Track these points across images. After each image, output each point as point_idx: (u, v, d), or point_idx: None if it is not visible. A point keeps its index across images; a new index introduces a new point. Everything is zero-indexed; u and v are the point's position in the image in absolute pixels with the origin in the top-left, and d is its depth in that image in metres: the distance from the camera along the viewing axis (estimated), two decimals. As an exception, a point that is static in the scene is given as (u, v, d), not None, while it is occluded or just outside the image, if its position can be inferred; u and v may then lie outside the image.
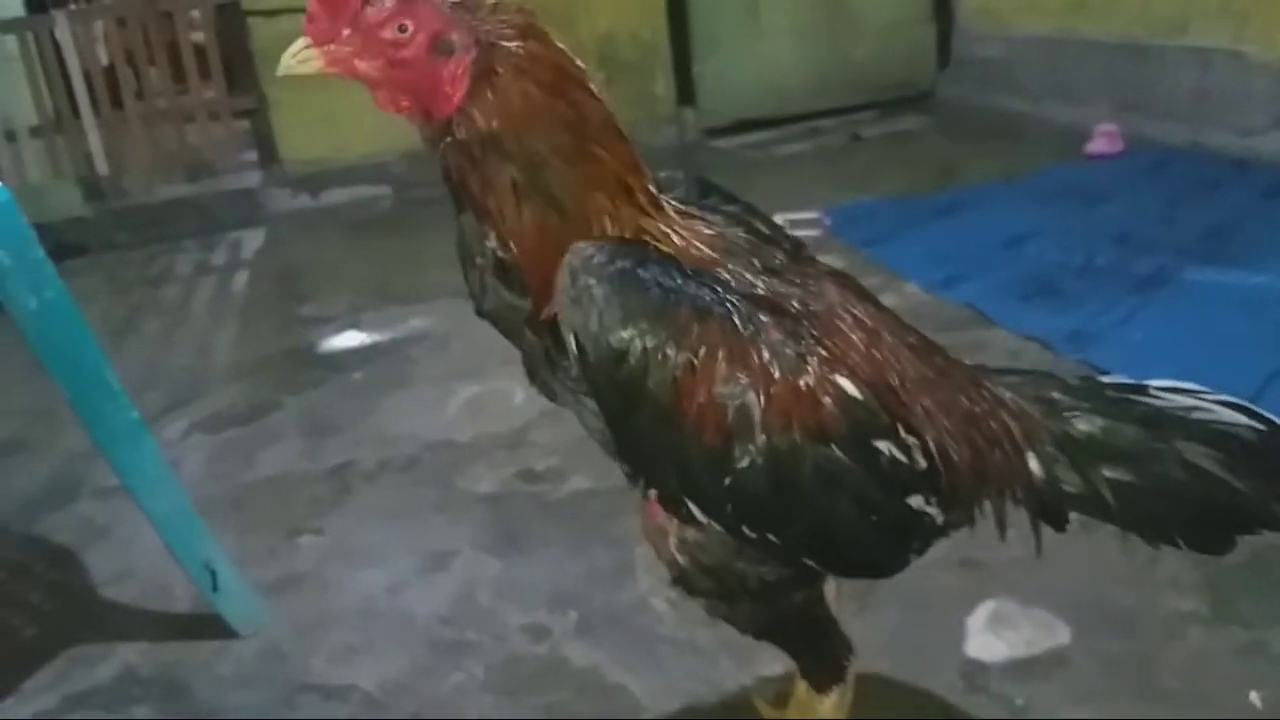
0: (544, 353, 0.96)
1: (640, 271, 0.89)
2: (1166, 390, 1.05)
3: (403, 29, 0.88)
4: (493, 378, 2.53)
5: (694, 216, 0.99)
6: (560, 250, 0.91)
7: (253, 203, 4.75)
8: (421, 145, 0.95)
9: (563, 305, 0.90)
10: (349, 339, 3.04)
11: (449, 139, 0.90)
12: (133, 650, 1.70)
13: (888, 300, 2.75)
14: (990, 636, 1.47)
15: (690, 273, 0.92)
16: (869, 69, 5.30)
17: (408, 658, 1.59)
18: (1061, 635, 1.46)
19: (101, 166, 4.65)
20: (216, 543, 1.67)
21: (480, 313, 0.98)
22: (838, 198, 3.76)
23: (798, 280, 0.99)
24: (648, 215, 0.95)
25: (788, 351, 0.91)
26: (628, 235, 0.93)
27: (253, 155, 4.93)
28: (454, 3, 0.89)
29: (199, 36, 4.83)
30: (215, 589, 1.64)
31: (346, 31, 0.88)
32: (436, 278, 3.36)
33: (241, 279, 3.90)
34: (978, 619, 1.50)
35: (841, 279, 1.05)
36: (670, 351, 0.88)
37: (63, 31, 4.44)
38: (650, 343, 0.88)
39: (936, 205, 3.50)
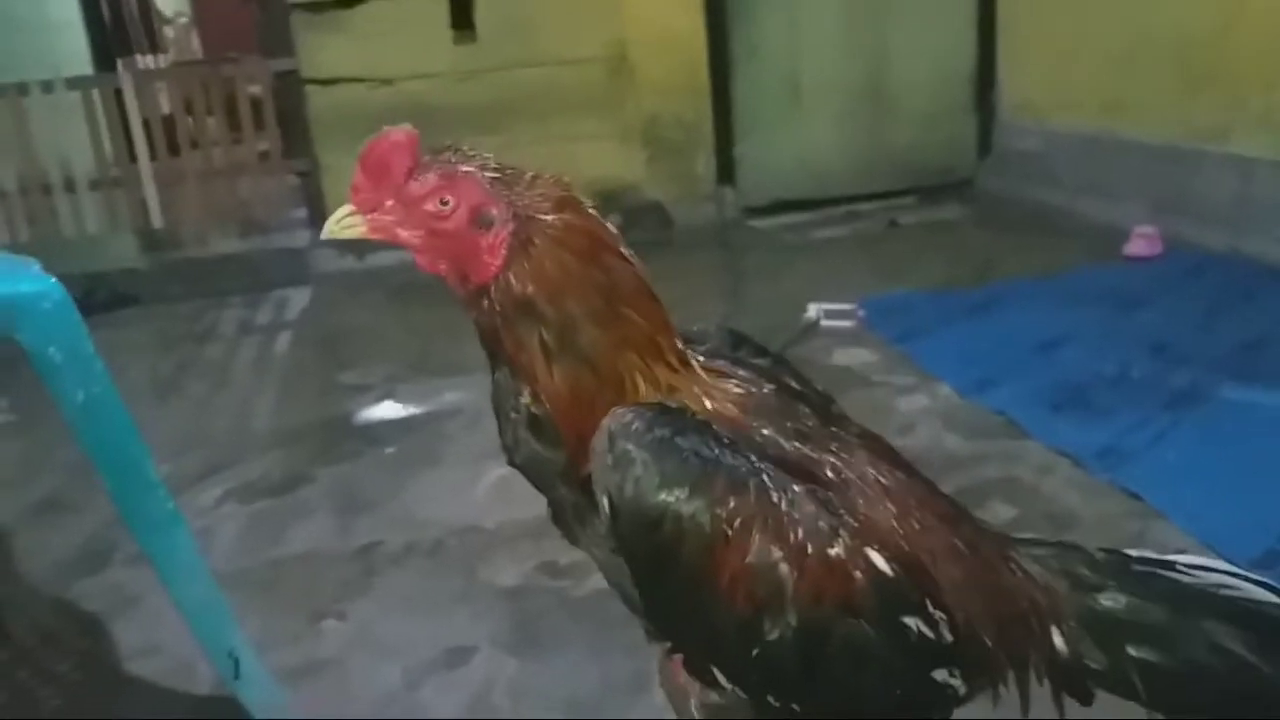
0: (573, 506, 0.99)
1: (679, 440, 0.91)
2: (1194, 566, 1.05)
3: (444, 202, 0.93)
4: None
5: (723, 374, 1.01)
6: (593, 407, 0.94)
7: (300, 262, 4.86)
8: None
9: (599, 467, 0.92)
10: (385, 410, 3.09)
11: (485, 302, 0.94)
12: (153, 731, 1.73)
13: (919, 401, 2.82)
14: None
15: (726, 440, 0.94)
16: (909, 155, 5.36)
17: (423, 760, 1.60)
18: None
19: (156, 219, 4.79)
20: (240, 631, 1.69)
21: (512, 464, 1.01)
22: (873, 286, 3.79)
23: (829, 444, 1.01)
24: (677, 373, 0.98)
25: (821, 524, 0.93)
26: (658, 393, 0.96)
27: (303, 213, 5.06)
28: (493, 177, 0.94)
29: (256, 89, 4.98)
30: (237, 676, 1.66)
31: (390, 202, 0.93)
32: (474, 351, 3.34)
33: (284, 340, 3.99)
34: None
35: (872, 442, 1.06)
36: (705, 521, 0.90)
37: (126, 88, 4.61)
38: (686, 511, 0.90)
39: (972, 301, 3.51)
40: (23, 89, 4.47)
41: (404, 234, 0.94)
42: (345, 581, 2.15)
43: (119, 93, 4.61)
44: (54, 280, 1.47)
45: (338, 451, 2.81)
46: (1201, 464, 2.27)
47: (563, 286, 0.93)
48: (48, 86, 4.52)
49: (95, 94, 4.58)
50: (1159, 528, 2.03)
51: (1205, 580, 1.03)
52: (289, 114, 4.95)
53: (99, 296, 4.45)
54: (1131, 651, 1.01)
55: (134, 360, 3.76)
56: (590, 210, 0.97)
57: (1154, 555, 1.07)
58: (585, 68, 5.01)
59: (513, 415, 0.98)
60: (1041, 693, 1.05)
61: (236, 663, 1.66)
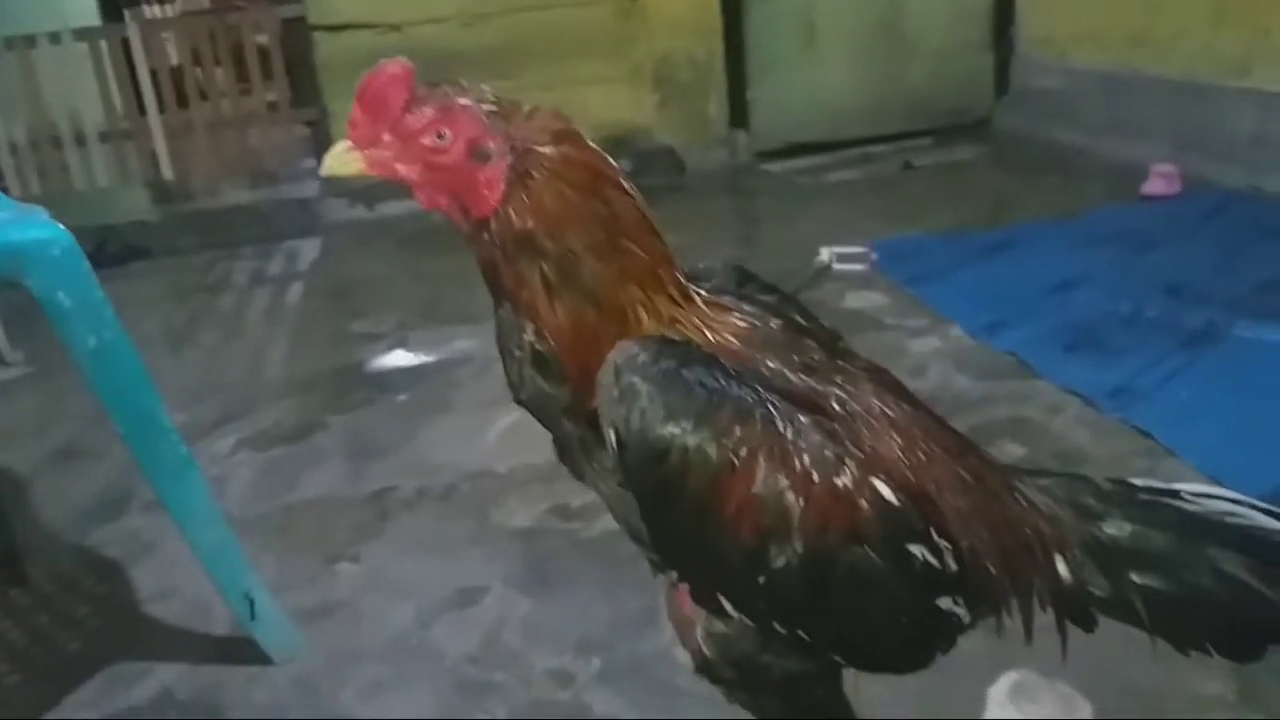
0: (579, 440, 0.99)
1: (684, 371, 0.91)
2: (1200, 494, 1.05)
3: (441, 136, 0.92)
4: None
5: (727, 308, 1.01)
6: (597, 341, 0.94)
7: (310, 212, 4.85)
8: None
9: (605, 400, 0.92)
10: (397, 358, 3.10)
11: (485, 236, 0.93)
12: (171, 671, 1.76)
13: (931, 344, 2.80)
14: (1010, 709, 1.46)
15: (732, 372, 0.93)
16: (924, 95, 5.27)
17: (434, 696, 1.62)
18: (1083, 713, 1.45)
19: (167, 171, 4.78)
20: (255, 573, 1.72)
21: (518, 401, 1.01)
22: (887, 229, 3.75)
23: (835, 378, 1.00)
24: (679, 306, 0.97)
25: (827, 454, 0.92)
26: (662, 326, 0.95)
27: (312, 163, 5.04)
28: (491, 110, 0.92)
29: (263, 39, 4.94)
30: (253, 618, 1.70)
31: (387, 137, 0.92)
32: (484, 299, 3.35)
33: (296, 290, 3.99)
34: (999, 689, 1.50)
35: (878, 375, 1.05)
36: (711, 451, 0.90)
37: (133, 37, 4.57)
38: (692, 442, 0.90)
39: (986, 243, 3.47)
40: (30, 41, 4.44)
41: (402, 169, 0.93)
42: (359, 525, 2.17)
43: (126, 44, 4.58)
44: (61, 227, 1.48)
45: (350, 399, 2.83)
46: (1214, 403, 2.25)
47: (563, 220, 0.92)
48: (55, 38, 4.49)
49: (103, 46, 4.55)
50: (1169, 465, 2.02)
51: (1210, 508, 1.03)
52: (297, 62, 4.91)
53: (111, 249, 4.46)
54: (1135, 578, 1.01)
55: (147, 312, 3.78)
56: (589, 143, 0.95)
57: (1159, 484, 1.06)
58: (594, 9, 4.94)
59: (517, 352, 0.97)
60: (1045, 621, 1.05)
61: (252, 604, 1.70)
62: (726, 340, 0.97)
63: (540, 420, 1.01)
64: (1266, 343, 2.51)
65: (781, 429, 0.91)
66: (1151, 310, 2.78)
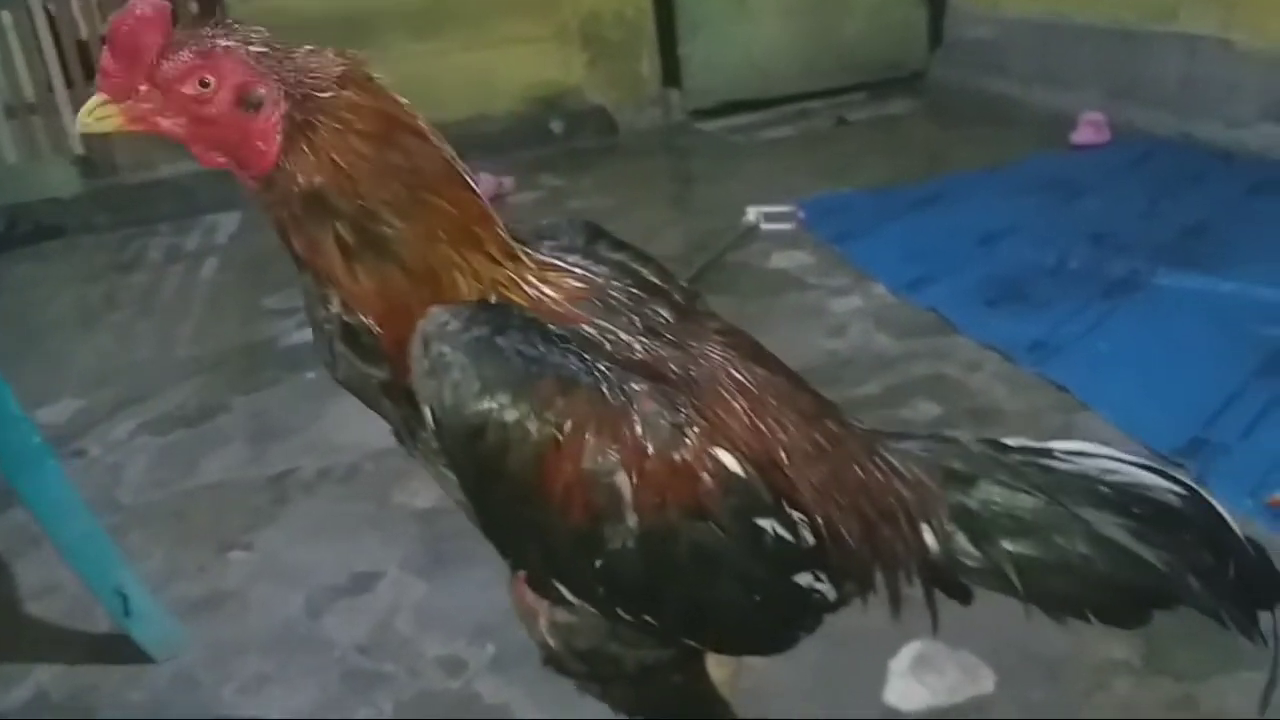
0: (403, 420, 0.91)
1: (498, 339, 0.83)
2: (1075, 453, 0.99)
3: (204, 84, 0.82)
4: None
5: (561, 268, 0.93)
6: (409, 310, 0.85)
7: (230, 185, 4.65)
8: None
9: (417, 375, 0.84)
10: (307, 334, 2.98)
11: (269, 196, 0.84)
12: (48, 672, 1.67)
13: (852, 303, 2.74)
14: (912, 681, 1.42)
15: (556, 337, 0.86)
16: (858, 49, 5.19)
17: (319, 689, 1.55)
18: (986, 682, 1.41)
19: (77, 146, 4.59)
20: (128, 567, 1.63)
21: (336, 380, 0.93)
22: (819, 186, 3.69)
23: (681, 341, 0.93)
24: (500, 266, 0.89)
25: (662, 423, 0.85)
26: (482, 288, 0.87)
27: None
28: (260, 52, 0.83)
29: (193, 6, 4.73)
30: (127, 614, 1.61)
31: (145, 87, 0.82)
32: None
33: (211, 266, 3.84)
34: (901, 661, 1.45)
35: (733, 336, 0.98)
36: (532, 426, 0.82)
37: (37, 11, 4.37)
38: (510, 416, 0.82)
39: (915, 197, 3.42)
40: (-76, 12, 4.22)
41: (164, 123, 0.83)
42: (255, 510, 2.08)
43: (31, 16, 4.36)
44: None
45: (257, 378, 2.72)
46: (1132, 354, 2.22)
47: (354, 174, 0.83)
48: (-48, 11, 4.27)
49: (6, 18, 4.34)
50: (1084, 420, 1.99)
51: (1084, 466, 0.97)
52: (205, 20, 4.72)
53: (22, 229, 4.29)
54: (1006, 546, 0.95)
55: (56, 293, 3.63)
56: (380, 85, 0.86)
57: (1031, 444, 1.00)
58: (518, -34, 4.79)
59: (325, 327, 0.89)
60: (916, 594, 0.99)
61: (125, 599, 1.60)
62: (555, 302, 0.89)
63: (362, 401, 0.93)
64: (1186, 290, 2.49)
65: (610, 398, 0.84)
66: (1075, 260, 2.74)
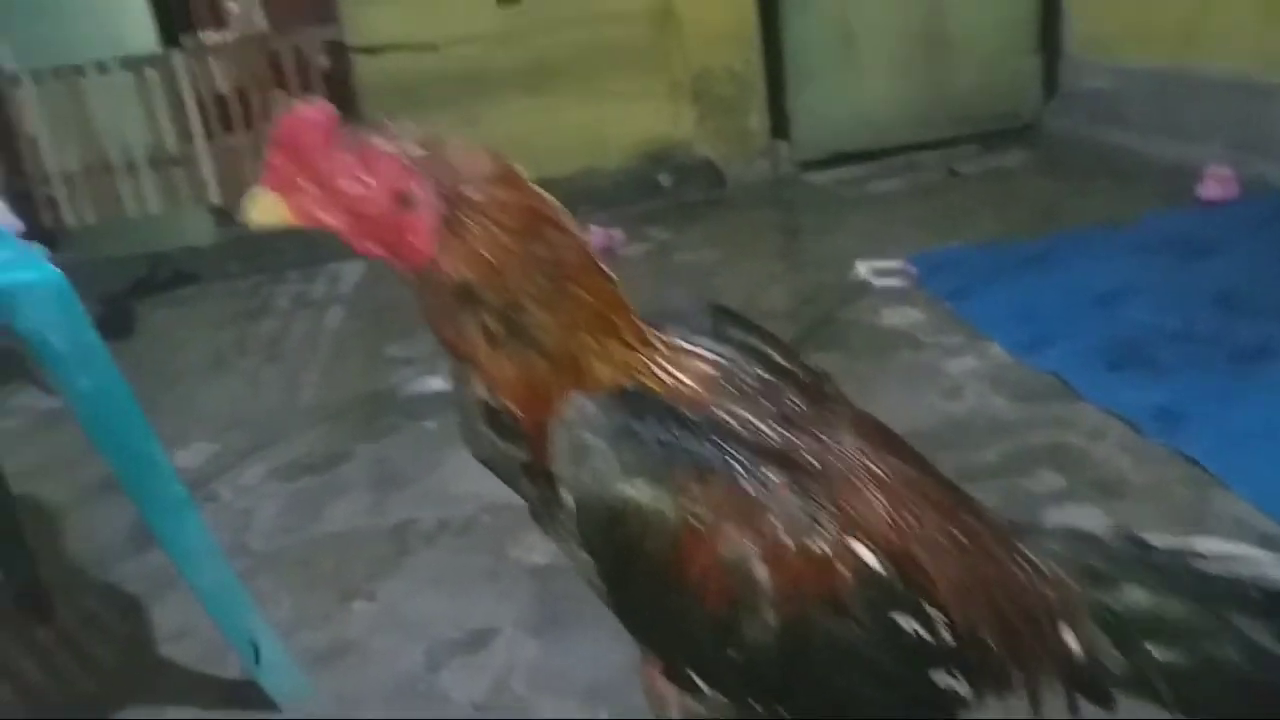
0: (540, 501, 0.94)
1: (637, 425, 0.86)
2: (1223, 554, 0.96)
3: (363, 182, 0.87)
4: (559, 433, 2.54)
5: (692, 353, 0.95)
6: (549, 395, 0.89)
7: (352, 235, 4.87)
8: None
9: (558, 459, 0.88)
10: (428, 384, 3.09)
11: (422, 287, 0.89)
12: (179, 715, 1.75)
13: (967, 363, 2.70)
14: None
15: (693, 424, 0.88)
16: (970, 100, 5.13)
17: (439, 746, 1.59)
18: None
19: (214, 196, 4.85)
20: (261, 616, 1.70)
21: (477, 458, 0.97)
22: (929, 240, 3.65)
23: (814, 428, 0.94)
24: (635, 352, 0.92)
25: (799, 514, 0.86)
26: (617, 375, 0.90)
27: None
28: (416, 152, 0.88)
29: (306, 65, 4.98)
30: (258, 662, 1.68)
31: (307, 183, 0.88)
32: None
33: (336, 314, 4.01)
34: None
35: (864, 425, 0.99)
36: (670, 512, 0.85)
37: (178, 68, 4.65)
38: (649, 503, 0.85)
39: (1030, 253, 3.35)
40: (79, 70, 4.54)
41: (326, 217, 0.89)
42: (378, 559, 2.15)
43: (173, 71, 4.65)
44: (53, 269, 1.47)
45: (379, 426, 2.82)
46: (1267, 427, 2.12)
47: (501, 267, 0.87)
48: (103, 67, 4.59)
49: (152, 73, 4.64)
50: (1218, 496, 1.91)
51: (1233, 568, 0.95)
52: (338, 85, 4.95)
53: (162, 275, 4.55)
54: (1152, 652, 0.93)
55: (190, 338, 3.83)
56: (526, 182, 0.90)
57: (1175, 542, 0.98)
58: (630, 23, 4.90)
59: (469, 407, 0.93)
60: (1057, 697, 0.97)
61: (257, 649, 1.67)
62: (689, 387, 0.91)
63: (502, 479, 0.97)
64: (1326, 359, 2.37)
65: (748, 487, 0.85)
66: (1202, 324, 2.64)
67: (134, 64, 4.73)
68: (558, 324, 0.89)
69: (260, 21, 10.81)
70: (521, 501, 2.31)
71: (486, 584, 2.01)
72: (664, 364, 0.92)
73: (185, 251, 4.83)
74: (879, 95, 5.10)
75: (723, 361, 0.95)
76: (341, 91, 4.93)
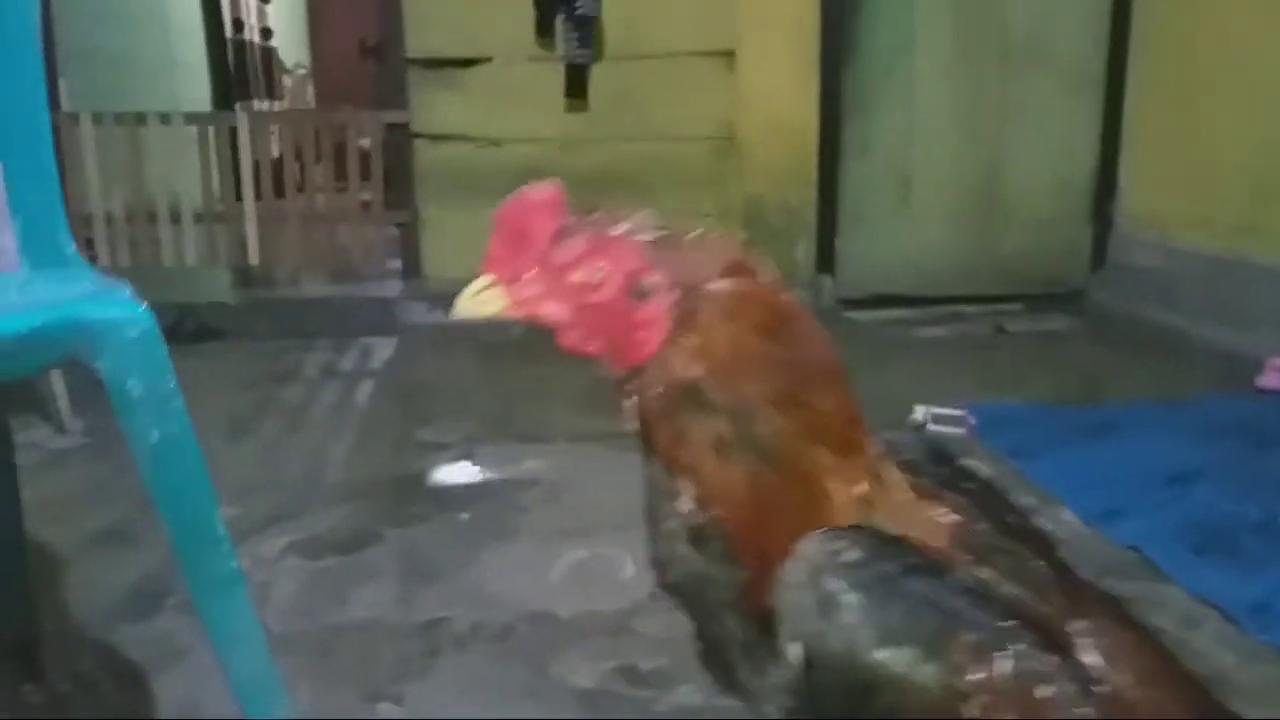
0: (741, 645, 0.81)
1: (905, 582, 0.74)
2: None
3: (595, 271, 0.79)
4: (602, 542, 2.40)
5: (930, 495, 0.84)
6: (778, 517, 0.77)
7: (389, 312, 4.81)
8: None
9: (792, 606, 0.75)
10: (461, 473, 2.95)
11: (642, 385, 0.79)
12: (182, 808, 1.56)
13: (1044, 527, 2.57)
14: None
15: (964, 587, 0.76)
16: (1018, 261, 5.15)
17: None
18: None
19: (254, 256, 4.80)
20: (291, 707, 1.53)
21: (663, 585, 0.84)
22: (979, 394, 3.57)
23: (1069, 603, 0.81)
24: (874, 483, 0.80)
25: (1076, 698, 0.73)
26: (857, 506, 0.79)
27: (397, 263, 5.04)
28: (651, 240, 0.79)
29: (365, 142, 5.02)
30: (282, 761, 1.50)
31: (533, 273, 0.79)
32: (559, 417, 3.29)
33: (366, 389, 3.90)
34: None
35: (1110, 604, 0.86)
36: (939, 690, 0.72)
37: (242, 128, 4.66)
38: (913, 676, 0.72)
39: (1089, 421, 3.26)
40: (141, 118, 4.54)
41: (549, 309, 0.80)
42: (405, 658, 1.98)
43: (234, 132, 4.66)
44: (143, 308, 1.37)
45: (409, 511, 2.67)
46: (1373, 634, 1.99)
47: (736, 366, 0.78)
48: (165, 119, 4.60)
49: (210, 131, 4.64)
50: (1333, 706, 1.77)
51: None
52: (394, 166, 4.97)
53: (186, 327, 4.45)
54: None
55: (212, 395, 3.70)
56: (768, 276, 0.81)
57: None
58: (693, 146, 4.95)
59: (666, 525, 0.81)
60: None
61: (283, 745, 1.50)
62: (935, 537, 0.80)
63: (689, 611, 0.84)
64: None
65: (1029, 670, 0.72)
66: (1284, 517, 2.53)
67: (198, 119, 4.75)
68: (794, 435, 0.78)
69: (310, 96, 11.03)
70: (563, 614, 2.16)
71: (526, 702, 1.83)
72: (905, 502, 0.80)
73: (213, 306, 4.76)
74: (928, 243, 5.12)
75: (960, 510, 0.84)
76: (396, 171, 4.95)
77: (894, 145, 5.03)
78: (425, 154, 4.80)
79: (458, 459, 3.03)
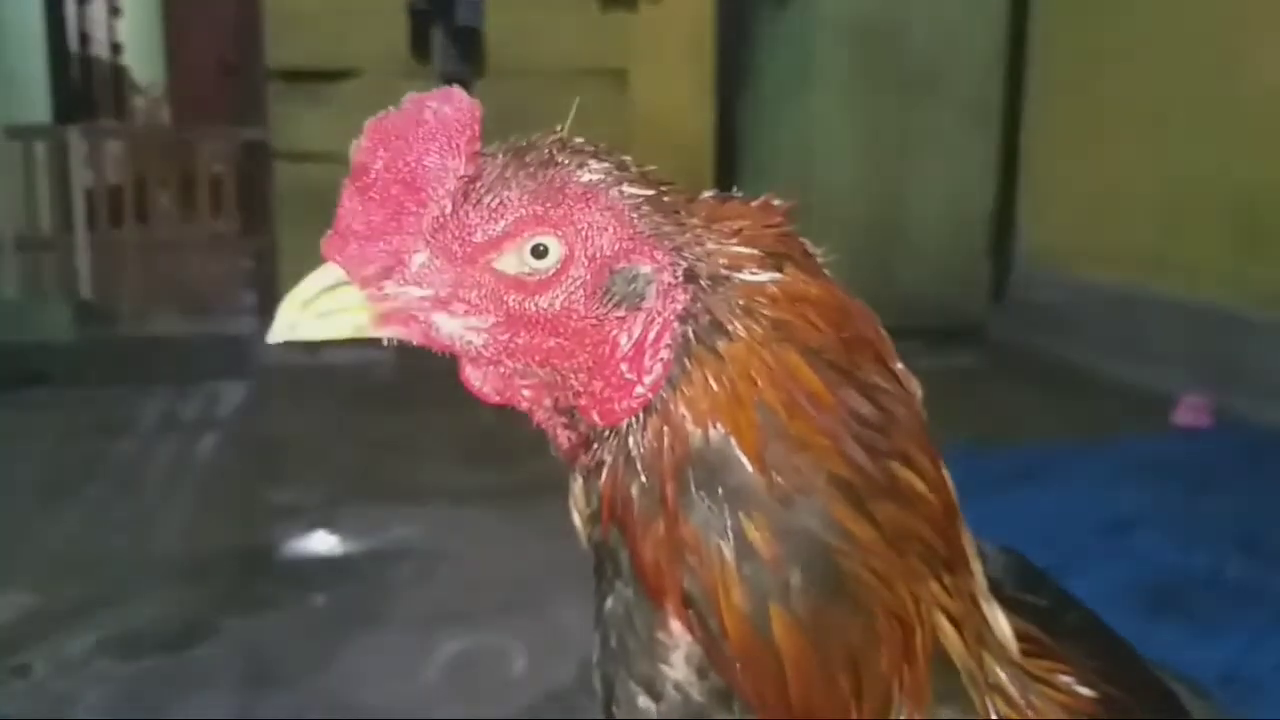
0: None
1: None
2: None
3: (539, 251, 0.44)
4: (486, 628, 2.03)
5: (1047, 649, 0.53)
6: (844, 691, 0.44)
7: (241, 351, 4.31)
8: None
9: None
10: (318, 544, 2.53)
11: (611, 458, 0.44)
12: None
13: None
14: None
15: None
16: (917, 296, 4.99)
17: None
18: None
19: (85, 290, 4.26)
20: None
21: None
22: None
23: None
24: (986, 631, 0.48)
25: None
26: (968, 663, 0.47)
27: (252, 297, 4.55)
28: (639, 196, 0.46)
29: (218, 168, 4.55)
30: None
31: (422, 255, 0.44)
32: (431, 473, 2.91)
33: (210, 441, 3.42)
34: None
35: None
36: None
37: (75, 145, 4.14)
38: None
39: (1012, 465, 3.06)
40: (-47, 133, 3.98)
41: (449, 324, 0.45)
42: (237, 797, 1.57)
43: (66, 151, 4.13)
44: None
45: (253, 595, 2.24)
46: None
47: (791, 425, 0.44)
48: (-17, 133, 4.04)
49: (37, 148, 4.11)
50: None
51: None
52: (252, 190, 4.51)
53: (2, 371, 3.87)
54: None
55: (26, 450, 3.18)
56: (820, 265, 0.49)
57: None
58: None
59: (639, 669, 0.46)
60: None
61: None
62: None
63: None
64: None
65: None
66: (1232, 569, 2.35)
67: (21, 133, 4.20)
68: (882, 547, 0.45)
69: (165, 117, 10.32)
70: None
71: None
72: (1024, 673, 0.49)
73: (37, 347, 4.17)
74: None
75: (1075, 670, 0.53)
76: (253, 198, 4.49)
77: (790, 170, 4.85)
78: (286, 175, 4.36)
79: (314, 527, 2.60)
